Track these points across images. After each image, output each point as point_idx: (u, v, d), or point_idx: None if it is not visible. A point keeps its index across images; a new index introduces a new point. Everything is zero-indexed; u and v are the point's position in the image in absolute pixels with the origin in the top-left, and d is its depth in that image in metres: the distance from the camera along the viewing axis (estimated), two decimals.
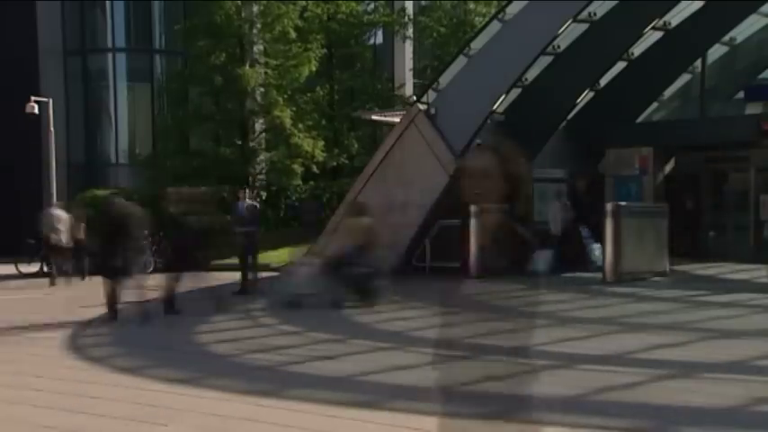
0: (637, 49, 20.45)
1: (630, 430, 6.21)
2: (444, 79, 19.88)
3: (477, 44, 19.54)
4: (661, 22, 19.91)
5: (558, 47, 18.94)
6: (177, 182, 24.87)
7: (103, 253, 13.01)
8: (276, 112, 26.50)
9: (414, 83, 34.44)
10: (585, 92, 20.54)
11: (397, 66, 35.73)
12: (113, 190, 26.36)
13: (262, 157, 28.07)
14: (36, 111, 26.43)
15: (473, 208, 17.78)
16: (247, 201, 16.84)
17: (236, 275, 16.16)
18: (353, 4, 31.86)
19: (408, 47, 35.23)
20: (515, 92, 19.58)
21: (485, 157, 2.72)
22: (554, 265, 15.31)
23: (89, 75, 34.30)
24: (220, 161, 26.82)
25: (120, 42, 34.57)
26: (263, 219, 26.31)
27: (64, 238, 19.31)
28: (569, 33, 18.75)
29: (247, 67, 26.69)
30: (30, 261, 21.92)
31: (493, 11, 26.45)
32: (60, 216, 19.64)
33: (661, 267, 16.57)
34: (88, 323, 12.30)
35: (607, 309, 12.79)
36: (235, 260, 16.95)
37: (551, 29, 18.01)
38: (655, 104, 22.77)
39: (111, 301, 12.51)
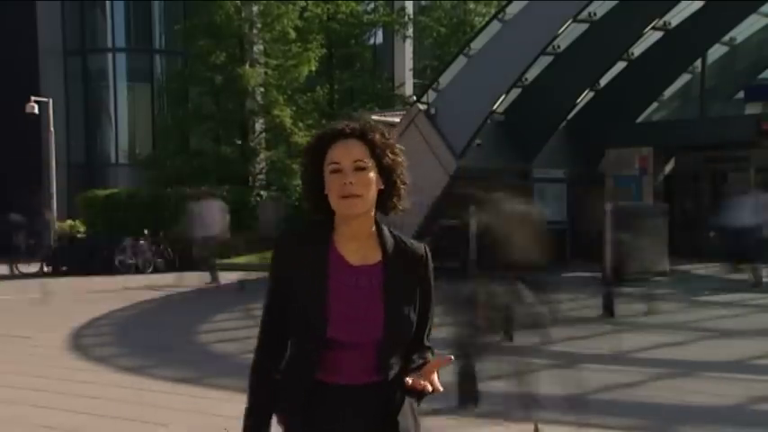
0: (637, 49, 20.45)
1: (630, 429, 6.22)
2: (444, 79, 19.90)
3: (477, 44, 19.56)
4: (661, 22, 19.91)
5: (558, 47, 18.94)
6: (177, 182, 24.92)
7: None
8: (276, 112, 26.51)
9: (414, 83, 34.44)
10: (585, 92, 20.54)
11: (397, 66, 35.74)
12: (113, 190, 26.40)
13: (262, 156, 28.07)
14: (36, 111, 26.40)
15: (473, 208, 17.72)
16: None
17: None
18: (353, 4, 31.85)
19: (408, 47, 35.23)
20: (515, 92, 19.59)
21: (355, 147, 2.25)
22: None
23: (89, 75, 34.31)
24: (220, 161, 26.81)
25: (120, 42, 34.57)
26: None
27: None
28: (569, 33, 18.76)
29: (247, 67, 26.69)
30: (29, 261, 21.93)
31: (493, 11, 26.46)
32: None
33: (661, 267, 16.56)
34: None
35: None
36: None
37: (551, 29, 18.02)
38: (655, 104, 22.77)
39: None
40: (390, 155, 2.30)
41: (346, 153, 2.25)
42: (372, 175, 2.26)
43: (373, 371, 2.26)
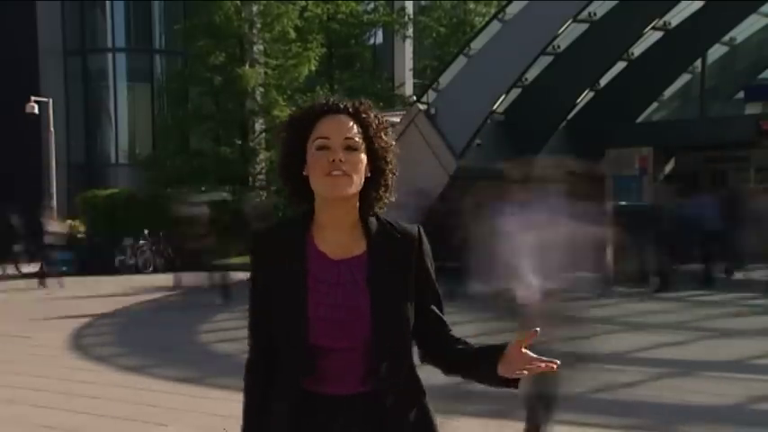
0: (637, 49, 20.46)
1: (630, 428, 6.22)
2: (444, 79, 19.91)
3: (477, 44, 19.57)
4: (661, 22, 19.93)
5: (558, 47, 18.95)
6: (177, 182, 24.91)
7: None
8: (276, 112, 26.49)
9: (414, 83, 34.45)
10: (585, 92, 20.55)
11: (397, 66, 35.74)
12: (113, 190, 26.40)
13: (261, 156, 28.06)
14: (36, 111, 26.42)
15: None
16: None
17: None
18: (353, 4, 31.85)
19: (408, 47, 35.24)
20: (515, 92, 19.59)
21: (347, 124, 2.00)
22: None
23: (89, 75, 34.32)
24: (220, 161, 26.80)
25: (120, 42, 34.59)
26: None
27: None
28: (569, 33, 18.77)
29: (247, 67, 26.69)
30: (29, 261, 21.92)
31: (493, 11, 26.47)
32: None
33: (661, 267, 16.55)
34: None
35: (607, 308, 12.78)
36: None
37: (551, 29, 18.02)
38: (655, 104, 22.79)
39: None
40: (384, 138, 2.06)
41: (337, 128, 2.00)
42: (363, 157, 2.01)
43: (366, 378, 2.00)
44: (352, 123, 2.02)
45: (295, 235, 2.05)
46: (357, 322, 1.97)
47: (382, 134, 2.05)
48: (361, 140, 2.01)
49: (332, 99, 2.07)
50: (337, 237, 2.04)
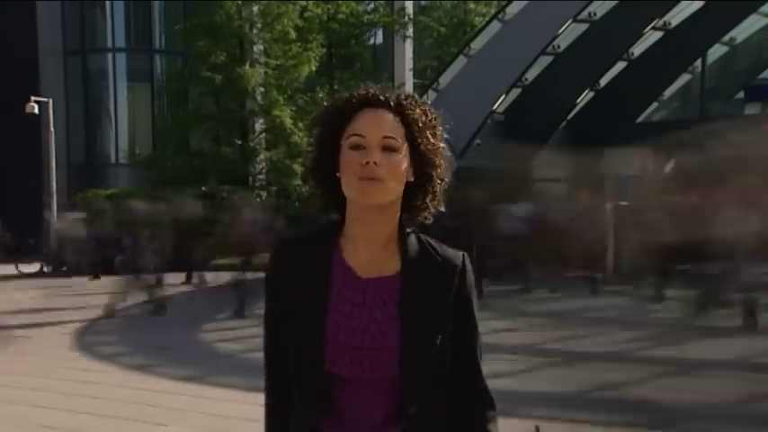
0: (637, 49, 20.48)
1: (629, 426, 6.23)
2: (444, 79, 19.94)
3: (477, 44, 19.62)
4: (661, 22, 19.95)
5: (558, 47, 18.98)
6: (177, 182, 24.91)
7: None
8: (276, 112, 26.52)
9: (414, 83, 34.47)
10: (585, 92, 20.56)
11: (397, 66, 35.76)
12: (113, 190, 26.41)
13: (262, 156, 28.07)
14: (36, 111, 26.45)
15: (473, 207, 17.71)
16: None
17: None
18: (353, 4, 31.88)
19: (408, 47, 35.27)
20: (515, 92, 19.62)
21: (387, 120, 1.71)
22: None
23: (89, 75, 34.33)
24: (220, 161, 26.81)
25: (120, 42, 34.60)
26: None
27: None
28: (569, 33, 18.79)
29: (247, 67, 26.71)
30: (30, 261, 21.94)
31: (493, 11, 26.50)
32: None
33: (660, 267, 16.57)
34: None
35: (607, 308, 12.80)
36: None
37: (551, 29, 18.05)
38: (655, 104, 22.80)
39: None
40: (431, 139, 1.74)
41: (374, 125, 1.69)
42: (404, 159, 1.70)
43: (388, 420, 1.71)
44: (393, 119, 1.71)
45: (320, 247, 1.77)
46: (383, 352, 1.69)
47: (429, 133, 1.74)
48: (402, 140, 1.70)
49: (373, 90, 1.75)
50: (369, 251, 1.75)
